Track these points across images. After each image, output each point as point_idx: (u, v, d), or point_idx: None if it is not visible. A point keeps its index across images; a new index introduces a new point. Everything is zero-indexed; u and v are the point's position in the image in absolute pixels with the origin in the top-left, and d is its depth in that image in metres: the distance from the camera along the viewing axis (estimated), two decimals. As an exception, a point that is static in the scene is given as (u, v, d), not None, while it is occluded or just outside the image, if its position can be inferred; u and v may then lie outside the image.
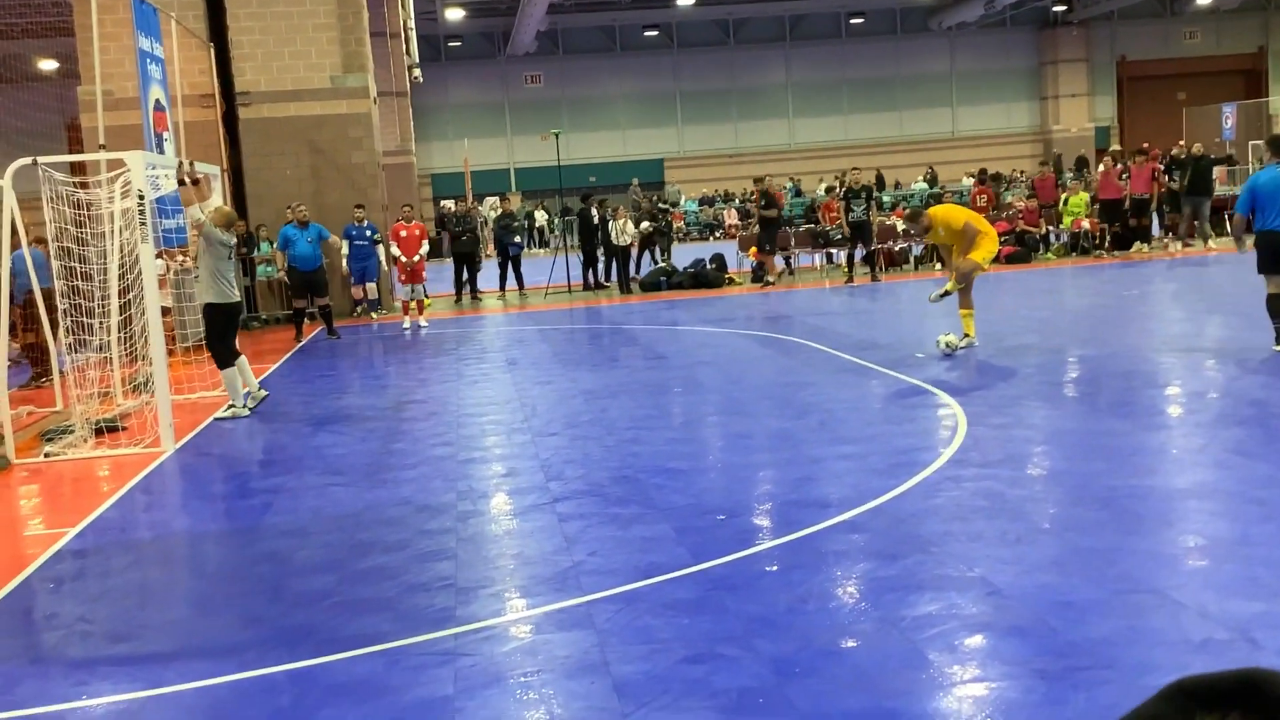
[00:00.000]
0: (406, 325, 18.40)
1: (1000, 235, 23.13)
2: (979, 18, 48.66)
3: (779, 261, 22.24)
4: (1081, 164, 40.14)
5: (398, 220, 19.18)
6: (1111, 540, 5.57)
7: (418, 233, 18.70)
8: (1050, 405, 9.08)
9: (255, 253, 20.15)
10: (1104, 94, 52.56)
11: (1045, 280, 19.51)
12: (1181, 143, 26.20)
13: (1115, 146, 41.96)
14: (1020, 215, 23.75)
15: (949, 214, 12.02)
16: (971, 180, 30.33)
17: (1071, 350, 11.72)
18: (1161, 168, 22.47)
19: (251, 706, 4.34)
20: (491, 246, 25.52)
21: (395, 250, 18.66)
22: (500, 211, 23.60)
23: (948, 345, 11.58)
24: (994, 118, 52.35)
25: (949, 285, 11.78)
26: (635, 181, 44.84)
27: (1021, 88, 52.64)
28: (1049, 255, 23.02)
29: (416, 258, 18.49)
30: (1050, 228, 23.42)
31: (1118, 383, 9.74)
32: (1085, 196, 23.87)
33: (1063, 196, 23.68)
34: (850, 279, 21.13)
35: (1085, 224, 23.24)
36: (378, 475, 8.08)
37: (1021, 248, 22.93)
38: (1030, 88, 52.69)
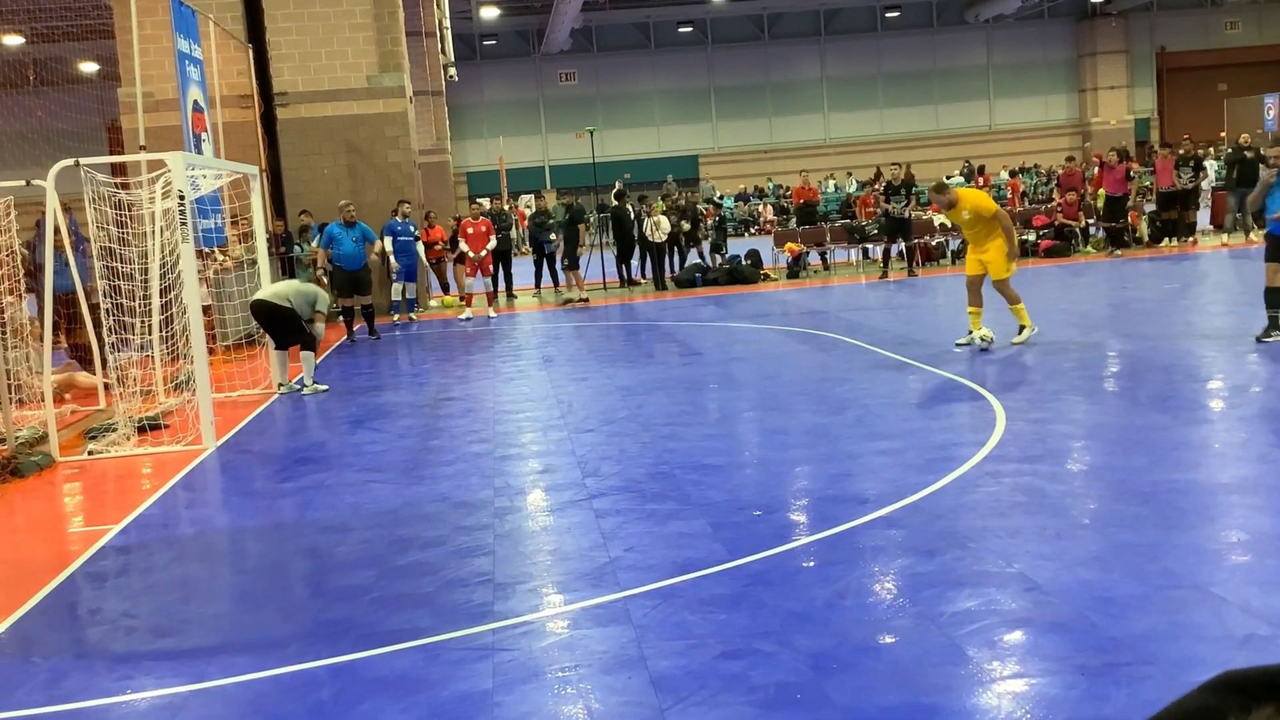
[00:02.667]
0: (467, 316, 18.98)
1: (1039, 228, 23.07)
2: (1016, 10, 48.29)
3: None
4: (1123, 156, 39.69)
5: (465, 217, 20.00)
6: (1153, 536, 5.52)
7: (484, 229, 19.22)
8: (1090, 400, 9.00)
9: (300, 252, 20.30)
10: (1143, 86, 52.00)
11: (1084, 274, 19.33)
12: (1223, 134, 25.84)
13: (1155, 139, 41.46)
14: (1059, 208, 23.54)
15: (979, 200, 11.86)
16: (1008, 174, 30.05)
17: (1111, 344, 11.62)
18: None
19: (293, 700, 4.39)
20: (527, 244, 25.65)
21: (463, 245, 19.22)
22: (535, 209, 23.76)
23: (983, 339, 11.55)
24: (1032, 111, 51.93)
25: (1023, 324, 11.77)
26: (670, 178, 44.82)
27: (1059, 80, 52.18)
28: (1088, 249, 22.81)
29: (483, 253, 19.17)
30: (1089, 221, 23.20)
31: (1158, 376, 9.65)
32: (1135, 188, 23.61)
33: (1100, 190, 23.45)
34: (886, 274, 21.04)
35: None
36: (416, 472, 8.13)
37: (1060, 241, 22.74)
38: (1068, 80, 52.22)
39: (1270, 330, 10.60)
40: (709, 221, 26.10)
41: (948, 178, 40.63)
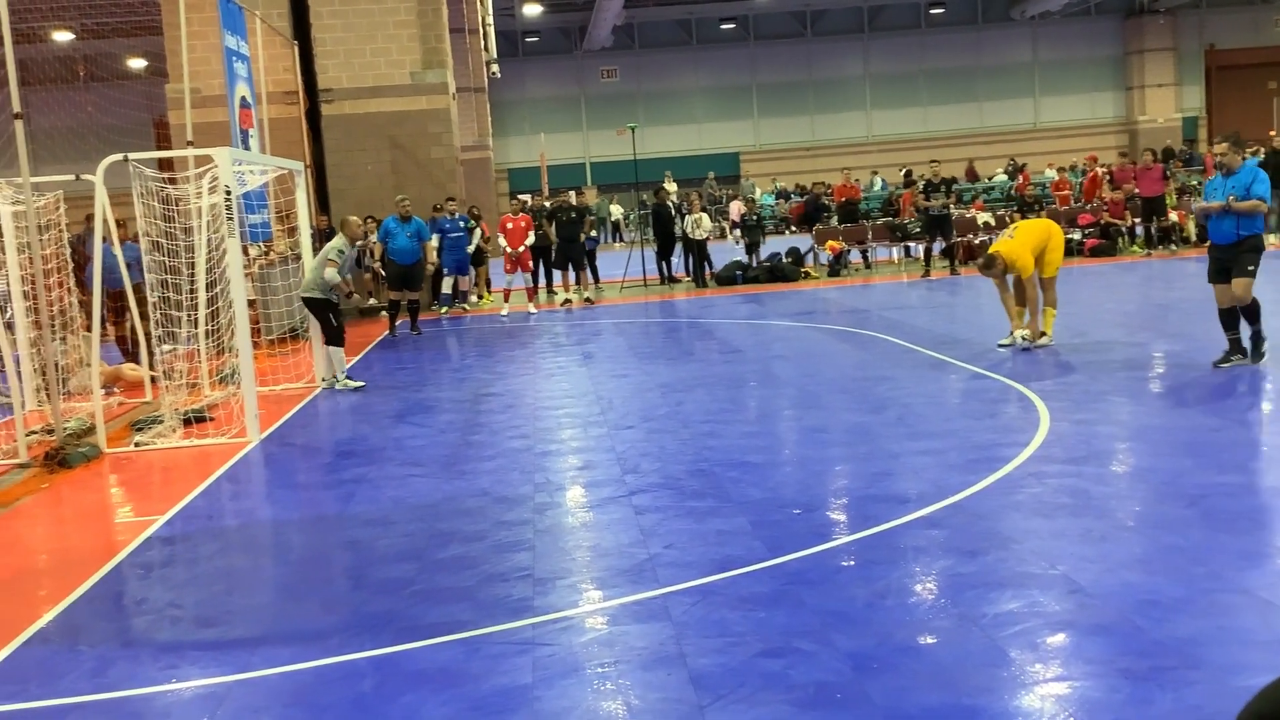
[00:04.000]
0: (505, 313, 19.12)
1: (1085, 227, 22.83)
2: (1062, 6, 47.82)
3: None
4: (1169, 155, 39.25)
5: (505, 213, 19.92)
6: (1199, 538, 5.46)
7: (523, 224, 19.27)
8: (1135, 400, 8.90)
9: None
10: (1192, 84, 51.33)
11: (1130, 273, 19.11)
12: (1273, 133, 25.47)
13: (1204, 138, 40.94)
14: (1106, 207, 23.29)
15: (1017, 259, 11.36)
16: (1056, 172, 29.78)
17: (1157, 344, 11.48)
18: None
19: (335, 692, 4.42)
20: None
21: (501, 241, 19.22)
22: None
23: (1024, 339, 11.47)
24: (1078, 108, 51.41)
25: (1042, 328, 11.63)
26: (711, 175, 44.75)
27: (1106, 77, 51.62)
28: (1135, 248, 22.56)
29: (522, 248, 19.24)
30: (1136, 220, 22.92)
31: (1205, 378, 9.52)
32: (1173, 188, 23.33)
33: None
34: (928, 273, 20.89)
35: (1173, 216, 22.73)
36: (456, 466, 8.17)
37: (1106, 240, 22.50)
38: (1115, 77, 51.65)
39: None
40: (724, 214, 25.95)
41: (990, 177, 40.40)
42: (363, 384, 12.32)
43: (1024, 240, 11.45)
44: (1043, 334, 11.59)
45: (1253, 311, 9.78)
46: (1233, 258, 9.68)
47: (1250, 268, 9.63)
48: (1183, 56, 51.02)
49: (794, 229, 39.19)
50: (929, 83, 51.23)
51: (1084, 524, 5.81)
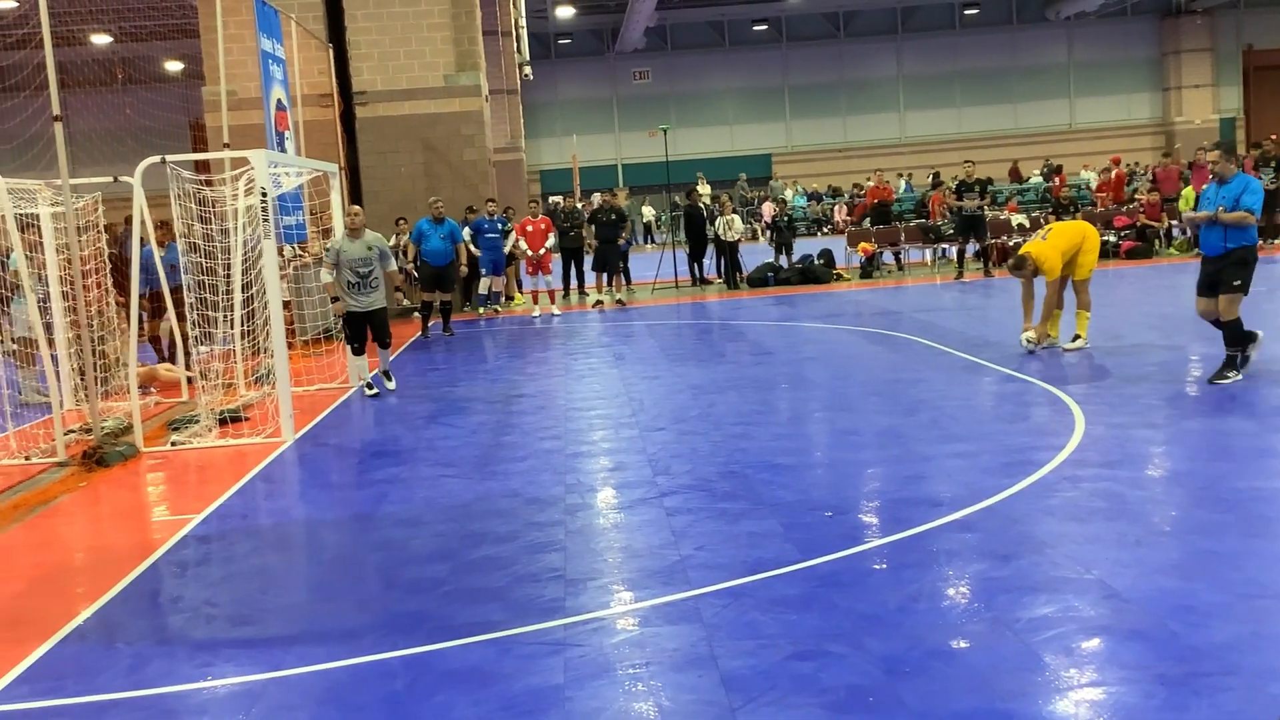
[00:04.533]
0: (537, 314, 19.12)
1: (1120, 229, 22.64)
2: (1098, 7, 47.42)
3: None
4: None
5: (525, 216, 19.86)
6: (1236, 544, 5.40)
7: (544, 227, 19.27)
8: (1171, 404, 8.82)
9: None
10: (1229, 84, 50.80)
11: (1167, 276, 18.93)
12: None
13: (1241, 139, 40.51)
14: (1142, 209, 23.09)
15: (1045, 261, 11.32)
16: (1092, 174, 29.56)
17: (1194, 348, 11.36)
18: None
19: (368, 691, 4.45)
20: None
21: (522, 244, 19.18)
22: (597, 207, 23.75)
23: (1028, 341, 11.46)
24: (1114, 109, 50.97)
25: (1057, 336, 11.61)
26: (742, 176, 44.67)
27: (1142, 78, 51.17)
28: (1171, 250, 22.35)
29: (542, 251, 19.16)
30: (1173, 222, 22.71)
31: (1242, 382, 9.42)
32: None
33: (1183, 190, 22.94)
34: (961, 274, 20.78)
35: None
36: (488, 467, 8.20)
37: (1143, 242, 22.30)
38: (1151, 78, 51.18)
39: None
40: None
41: (1027, 178, 40.11)
42: (377, 392, 11.95)
43: (1055, 243, 11.37)
44: (1077, 337, 11.52)
45: (1233, 332, 9.36)
46: (1220, 270, 9.34)
47: (1235, 282, 9.22)
48: (1220, 57, 50.49)
49: (825, 230, 39.09)
50: (963, 84, 50.95)
51: (1119, 528, 5.77)
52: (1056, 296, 11.53)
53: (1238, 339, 9.40)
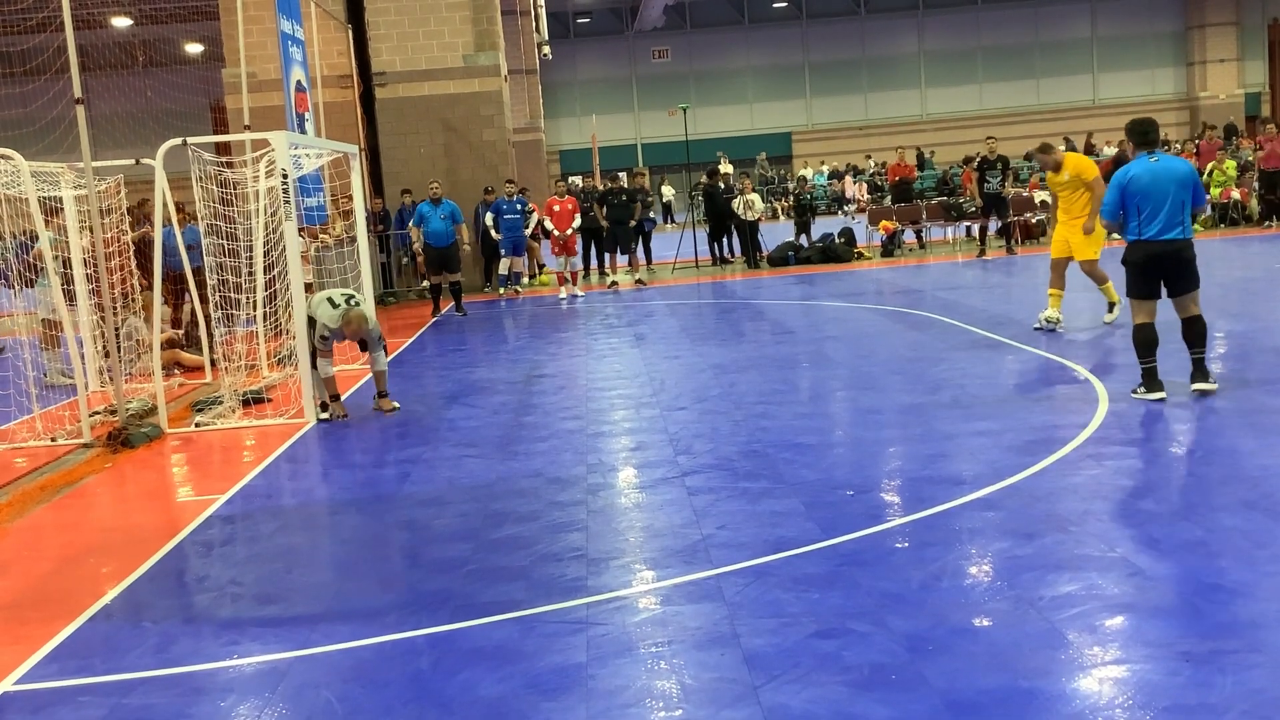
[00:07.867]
0: (563, 296, 19.08)
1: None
2: (1122, -19, 46.94)
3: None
4: (1231, 131, 38.48)
5: (551, 195, 19.83)
6: (1262, 522, 5.37)
7: (570, 207, 19.24)
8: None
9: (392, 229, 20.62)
10: (1254, 59, 50.26)
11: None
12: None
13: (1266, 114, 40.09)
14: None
15: (1081, 162, 11.64)
16: (1114, 149, 29.33)
17: (1219, 324, 11.27)
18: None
19: (393, 668, 4.48)
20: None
21: (548, 224, 19.14)
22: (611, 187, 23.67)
23: (1047, 320, 11.41)
24: (1137, 84, 50.52)
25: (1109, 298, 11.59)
26: (762, 155, 44.53)
27: (1166, 53, 50.68)
28: (1196, 226, 22.16)
29: (569, 231, 19.15)
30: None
31: (1269, 358, 9.35)
32: (1233, 165, 22.89)
33: (1209, 165, 22.74)
34: (983, 252, 20.66)
35: (1235, 194, 22.30)
36: (510, 447, 8.22)
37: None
38: (1175, 53, 50.68)
39: None
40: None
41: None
42: (329, 416, 9.92)
43: (1093, 168, 11.61)
44: (1113, 305, 11.51)
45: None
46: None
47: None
48: (1245, 31, 49.94)
49: (845, 210, 38.91)
50: (985, 60, 50.57)
51: (1144, 506, 5.74)
52: (1059, 278, 11.51)
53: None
